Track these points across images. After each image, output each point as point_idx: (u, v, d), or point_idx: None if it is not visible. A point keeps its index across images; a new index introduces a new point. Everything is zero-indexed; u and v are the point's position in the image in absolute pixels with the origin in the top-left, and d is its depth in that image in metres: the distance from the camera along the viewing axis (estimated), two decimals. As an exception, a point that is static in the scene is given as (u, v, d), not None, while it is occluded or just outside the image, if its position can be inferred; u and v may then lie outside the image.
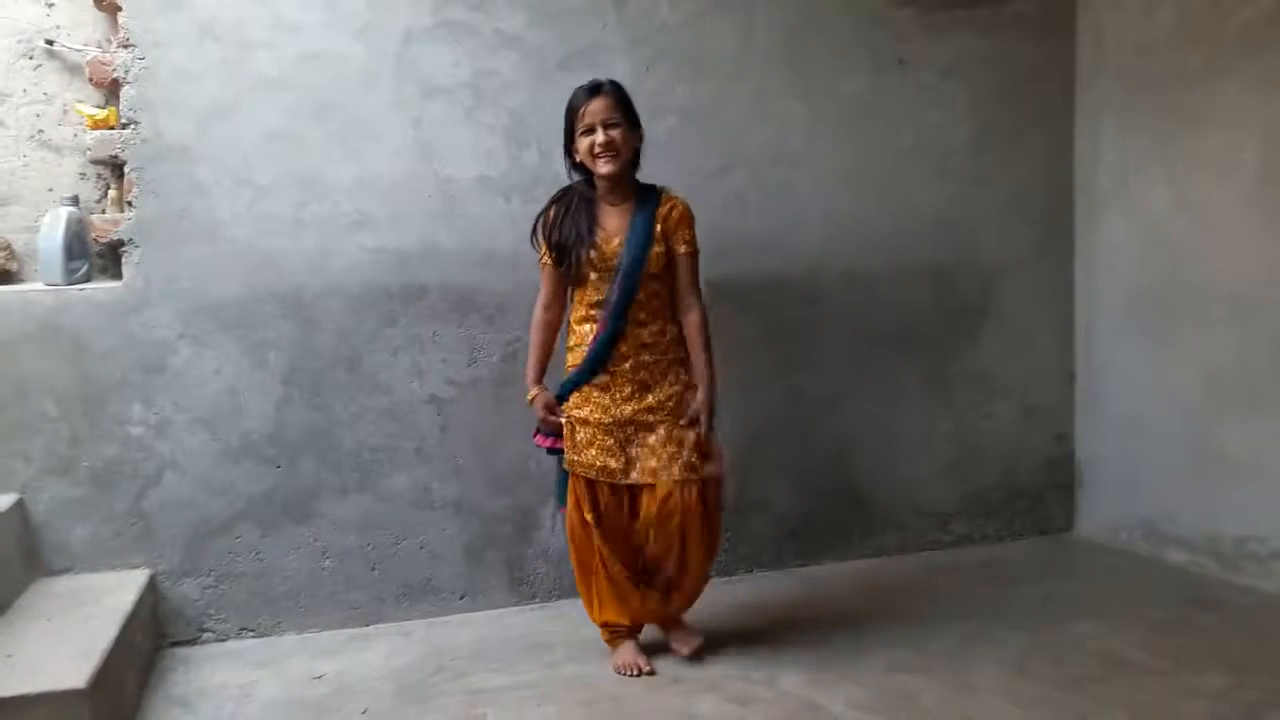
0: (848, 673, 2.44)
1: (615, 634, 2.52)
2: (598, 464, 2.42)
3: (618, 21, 2.99)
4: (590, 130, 2.38)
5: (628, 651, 2.49)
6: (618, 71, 2.94)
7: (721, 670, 2.47)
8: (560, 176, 2.92)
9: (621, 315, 2.41)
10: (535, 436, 2.55)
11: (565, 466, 2.48)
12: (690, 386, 2.47)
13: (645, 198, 2.47)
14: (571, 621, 2.81)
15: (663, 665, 2.51)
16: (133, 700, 2.33)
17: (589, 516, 2.44)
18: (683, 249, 2.46)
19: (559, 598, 2.99)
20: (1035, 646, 2.56)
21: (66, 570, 2.62)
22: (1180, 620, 2.72)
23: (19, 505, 2.54)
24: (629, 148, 2.43)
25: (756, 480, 3.20)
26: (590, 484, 2.44)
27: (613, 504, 2.45)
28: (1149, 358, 3.30)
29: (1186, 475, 3.17)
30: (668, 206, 2.46)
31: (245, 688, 2.45)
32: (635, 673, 2.44)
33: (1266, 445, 2.92)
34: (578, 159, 2.46)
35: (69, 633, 2.20)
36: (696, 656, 2.52)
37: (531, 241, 2.50)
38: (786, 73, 3.17)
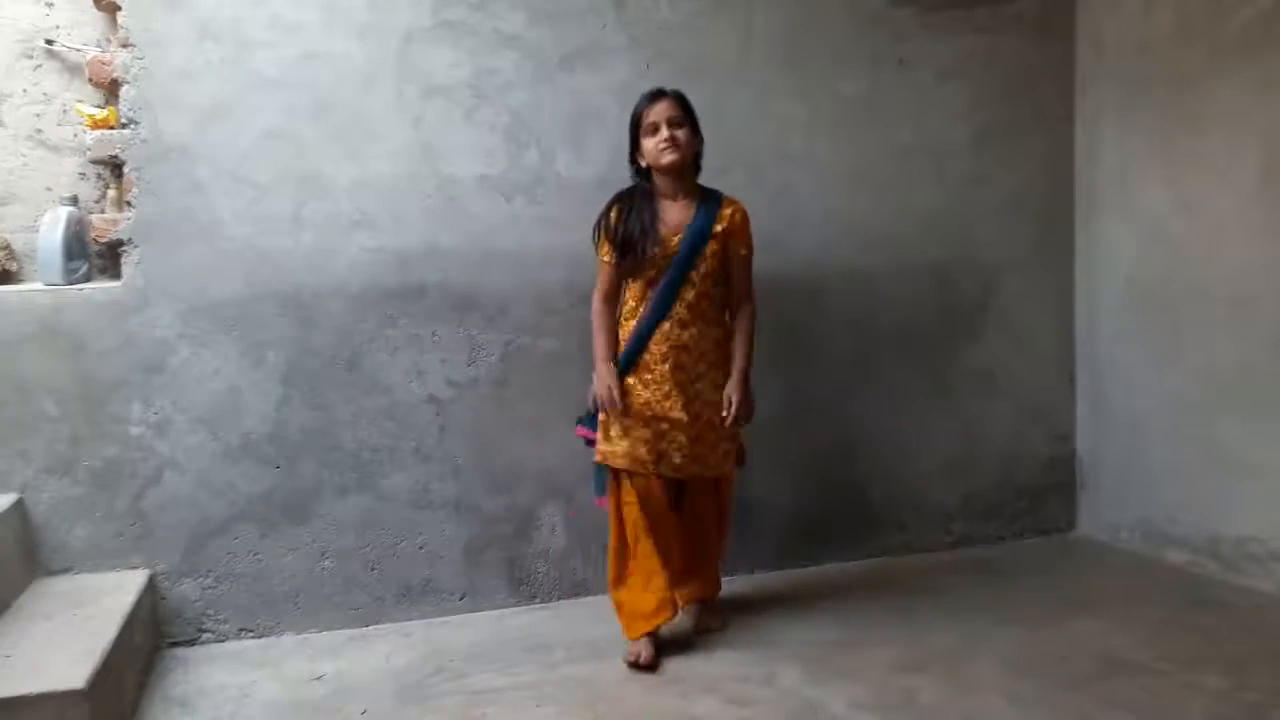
0: (848, 672, 2.44)
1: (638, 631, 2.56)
2: (631, 454, 2.51)
3: (617, 21, 2.99)
4: (655, 129, 2.49)
5: (640, 644, 2.52)
6: (617, 71, 2.96)
7: (722, 670, 2.47)
8: (560, 176, 2.95)
9: (667, 307, 2.51)
10: (578, 429, 2.68)
11: (598, 459, 2.58)
12: (721, 388, 2.57)
13: (706, 198, 2.57)
14: (571, 622, 2.81)
15: (664, 666, 2.51)
16: (132, 701, 2.33)
17: (629, 499, 2.56)
18: (744, 251, 2.58)
19: (559, 598, 2.98)
20: (1035, 646, 2.56)
21: (66, 570, 2.62)
22: (1181, 620, 2.72)
23: (19, 505, 2.53)
24: (691, 147, 2.53)
25: (757, 480, 3.19)
26: (628, 473, 2.56)
27: (649, 488, 2.55)
28: (1149, 357, 3.30)
29: (1187, 475, 3.17)
30: (730, 209, 2.56)
31: (244, 688, 2.45)
32: (636, 659, 2.47)
33: (1267, 445, 2.92)
34: (643, 164, 2.55)
35: (68, 633, 2.20)
36: (721, 628, 2.73)
37: (593, 238, 2.58)
38: (786, 73, 3.17)
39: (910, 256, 3.35)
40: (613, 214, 2.56)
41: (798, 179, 3.21)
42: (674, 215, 2.55)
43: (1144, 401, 3.32)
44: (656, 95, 2.53)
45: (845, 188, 3.26)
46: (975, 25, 3.38)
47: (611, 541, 2.62)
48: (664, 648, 2.58)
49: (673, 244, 2.52)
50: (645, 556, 2.57)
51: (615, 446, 2.56)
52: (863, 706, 2.26)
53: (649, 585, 2.57)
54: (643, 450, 2.52)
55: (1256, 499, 2.95)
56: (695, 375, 2.55)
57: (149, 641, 2.59)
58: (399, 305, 2.84)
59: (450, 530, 2.91)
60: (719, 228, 2.54)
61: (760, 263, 3.14)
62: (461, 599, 2.93)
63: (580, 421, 2.69)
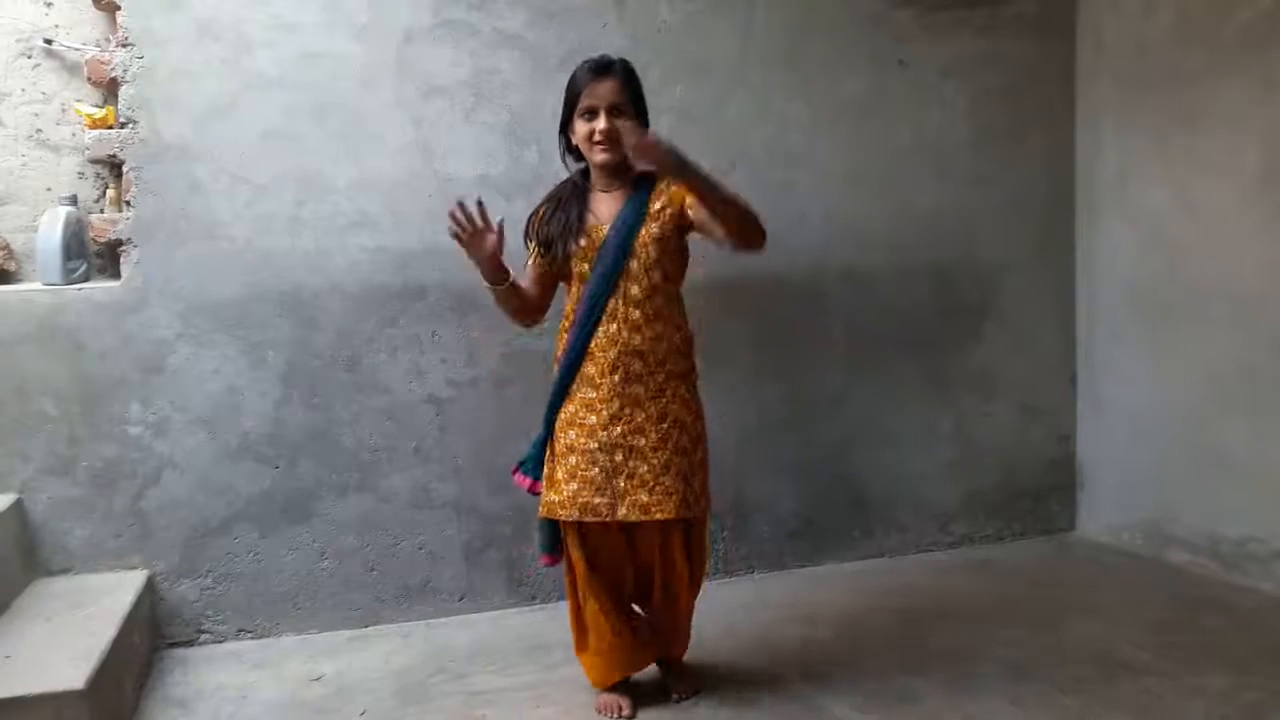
0: (848, 672, 2.44)
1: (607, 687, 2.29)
2: (580, 501, 2.13)
3: (618, 21, 2.99)
4: (592, 114, 2.13)
5: (612, 696, 2.26)
6: (617, 71, 2.95)
7: (722, 671, 2.46)
8: (560, 176, 2.90)
9: (604, 305, 2.14)
10: (516, 475, 2.32)
11: (541, 511, 2.22)
12: (690, 406, 2.21)
13: (640, 182, 2.20)
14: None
15: (652, 688, 2.36)
16: (130, 702, 2.32)
17: (576, 554, 2.21)
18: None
19: (558, 599, 2.97)
20: (1035, 646, 2.56)
21: (65, 570, 2.61)
22: (1181, 621, 2.72)
23: (18, 505, 2.53)
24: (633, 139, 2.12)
25: (756, 481, 3.19)
26: (576, 524, 2.20)
27: (602, 541, 2.22)
28: (1150, 358, 3.29)
29: (1188, 475, 3.17)
30: (666, 180, 2.17)
31: (243, 689, 2.44)
32: (615, 714, 2.23)
33: (1268, 445, 2.91)
34: (574, 141, 2.22)
35: (67, 633, 2.20)
36: (691, 696, 2.33)
37: (525, 242, 2.31)
38: (786, 73, 3.17)
39: (910, 256, 3.35)
40: (541, 210, 2.26)
41: (798, 179, 3.20)
42: (606, 208, 2.20)
43: (1144, 402, 3.32)
44: (601, 70, 2.12)
45: (845, 188, 3.26)
46: (975, 25, 3.38)
47: (568, 601, 2.30)
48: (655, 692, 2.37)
49: (601, 235, 2.16)
50: (594, 616, 2.22)
51: (559, 494, 2.15)
52: (863, 706, 2.26)
53: (603, 644, 2.24)
54: (591, 495, 2.12)
55: (1257, 499, 2.95)
56: (655, 390, 2.15)
57: (148, 642, 2.58)
58: (399, 305, 2.84)
59: (450, 530, 2.90)
60: (657, 205, 2.16)
61: (760, 262, 3.12)
62: (461, 599, 2.92)
63: (522, 466, 2.29)
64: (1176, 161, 3.17)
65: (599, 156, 2.16)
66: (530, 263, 2.30)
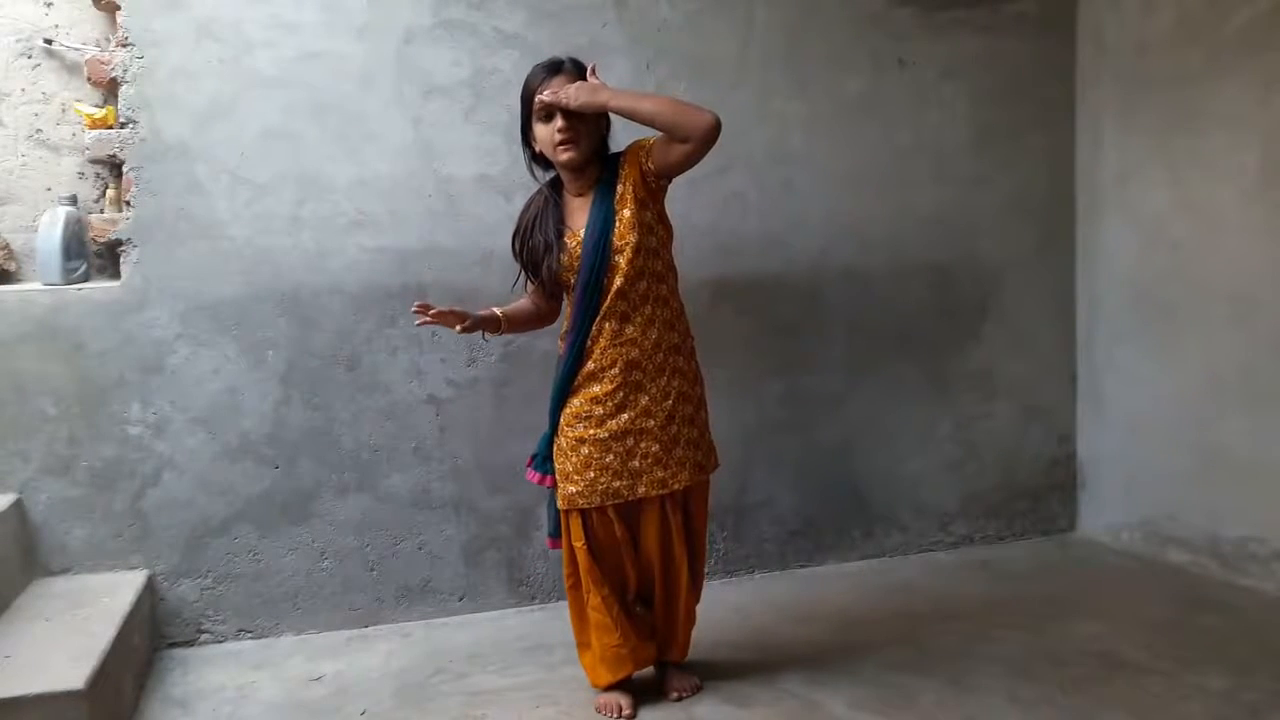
0: (848, 672, 2.44)
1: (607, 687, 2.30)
2: (599, 487, 2.18)
3: (618, 20, 2.99)
4: (549, 115, 2.14)
5: (612, 695, 2.27)
6: (618, 70, 2.95)
7: (721, 670, 2.47)
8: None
9: (590, 309, 2.17)
10: (529, 471, 2.35)
11: (560, 504, 2.24)
12: (687, 374, 2.26)
13: (605, 175, 2.20)
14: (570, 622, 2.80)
15: (652, 687, 2.37)
16: (130, 702, 2.33)
17: (578, 544, 2.23)
18: (648, 145, 2.17)
19: (558, 599, 2.97)
20: (1035, 646, 2.56)
21: (65, 571, 2.61)
22: (1181, 621, 2.72)
23: (17, 505, 2.53)
24: (595, 135, 2.19)
25: (757, 480, 3.19)
26: (582, 512, 2.22)
27: (606, 532, 2.23)
28: (1150, 357, 3.29)
29: (1188, 476, 3.17)
30: (625, 158, 2.19)
31: (243, 689, 2.44)
32: (615, 714, 2.23)
33: (1268, 445, 2.91)
34: (537, 149, 2.22)
35: (67, 633, 2.20)
36: (691, 694, 2.34)
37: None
38: (786, 72, 3.17)
39: (910, 256, 3.35)
40: (523, 227, 2.27)
41: (797, 179, 3.20)
42: (580, 215, 2.21)
43: (1144, 402, 3.32)
44: (552, 70, 2.15)
45: (845, 188, 3.26)
46: (975, 25, 3.38)
47: (569, 601, 2.32)
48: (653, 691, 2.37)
49: (579, 240, 2.18)
50: (596, 610, 2.24)
51: (576, 485, 2.19)
52: (863, 707, 2.26)
53: (604, 640, 2.25)
54: (610, 480, 2.17)
55: (1257, 499, 2.95)
56: (655, 370, 2.19)
57: (147, 642, 2.58)
58: (399, 305, 2.83)
59: (450, 530, 2.91)
60: (621, 188, 2.16)
61: (760, 262, 3.16)
62: (461, 599, 2.92)
63: (534, 461, 2.32)
64: (1176, 161, 3.17)
65: (563, 156, 2.16)
66: (525, 283, 2.36)
